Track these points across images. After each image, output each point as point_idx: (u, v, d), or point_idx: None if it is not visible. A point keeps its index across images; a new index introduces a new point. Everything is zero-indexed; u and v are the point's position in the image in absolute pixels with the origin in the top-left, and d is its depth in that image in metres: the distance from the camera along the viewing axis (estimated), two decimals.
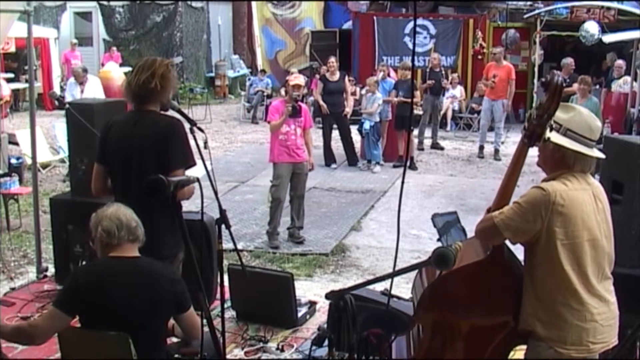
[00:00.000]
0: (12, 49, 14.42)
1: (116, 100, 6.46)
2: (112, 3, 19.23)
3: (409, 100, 9.96)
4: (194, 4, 19.63)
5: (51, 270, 5.83)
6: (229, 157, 11.62)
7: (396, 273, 2.87)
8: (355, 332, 2.80)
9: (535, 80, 14.41)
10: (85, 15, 19.75)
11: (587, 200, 2.74)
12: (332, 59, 11.06)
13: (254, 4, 20.40)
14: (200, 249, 4.08)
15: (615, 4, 13.95)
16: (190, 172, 3.37)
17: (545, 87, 2.75)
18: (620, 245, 3.77)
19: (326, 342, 2.88)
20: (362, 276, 6.15)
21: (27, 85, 11.31)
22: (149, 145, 3.53)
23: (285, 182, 6.88)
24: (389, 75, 11.63)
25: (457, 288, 2.93)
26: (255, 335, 4.72)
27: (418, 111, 11.30)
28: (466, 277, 2.85)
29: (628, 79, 11.53)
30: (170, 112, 3.68)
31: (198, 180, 2.84)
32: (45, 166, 10.05)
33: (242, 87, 18.87)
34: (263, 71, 17.27)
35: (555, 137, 2.73)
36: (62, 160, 10.19)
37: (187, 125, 3.53)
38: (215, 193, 3.19)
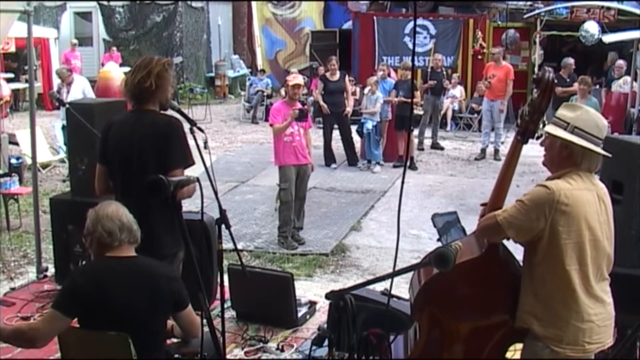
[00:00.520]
0: (12, 49, 14.43)
1: (116, 100, 6.45)
2: (112, 3, 19.23)
3: (409, 100, 9.97)
4: (194, 4, 19.63)
5: (51, 270, 5.83)
6: (229, 157, 11.62)
7: (396, 273, 2.87)
8: (355, 332, 2.79)
9: None
10: (85, 15, 19.75)
11: (591, 200, 2.74)
12: (334, 59, 11.06)
13: (254, 4, 20.40)
14: (200, 249, 4.08)
15: (615, 4, 13.95)
16: (190, 171, 3.38)
17: (537, 84, 2.79)
18: (620, 245, 3.77)
19: (326, 342, 2.88)
20: (362, 276, 6.15)
21: (27, 85, 11.32)
22: (148, 145, 3.53)
23: (293, 184, 6.86)
24: (389, 75, 11.63)
25: (451, 286, 2.92)
26: (255, 335, 4.72)
27: (418, 111, 11.30)
28: (460, 275, 2.84)
29: (628, 79, 11.53)
30: (170, 112, 3.68)
31: (198, 180, 2.84)
32: (45, 166, 10.05)
33: (242, 87, 18.87)
34: (262, 71, 17.27)
35: (563, 134, 2.74)
36: (62, 160, 10.20)
37: (187, 125, 3.53)
38: (215, 193, 3.19)
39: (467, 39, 15.06)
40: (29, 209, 7.46)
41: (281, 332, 4.80)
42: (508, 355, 3.07)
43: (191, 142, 3.48)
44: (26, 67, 12.73)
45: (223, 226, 3.03)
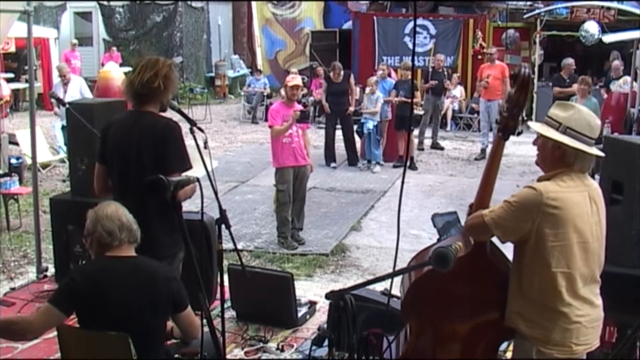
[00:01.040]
0: (12, 49, 14.43)
1: (116, 100, 6.45)
2: (112, 3, 19.23)
3: (409, 100, 9.97)
4: (194, 4, 19.63)
5: (51, 270, 5.83)
6: (229, 157, 11.62)
7: (396, 273, 2.86)
8: (355, 332, 2.79)
9: (536, 80, 14.41)
10: (85, 15, 19.76)
11: (580, 202, 2.71)
12: (337, 65, 11.04)
13: (254, 4, 20.39)
14: (200, 249, 4.07)
15: (615, 4, 13.95)
16: (191, 172, 3.38)
17: (514, 79, 2.78)
18: (620, 245, 3.78)
19: (326, 342, 2.87)
20: (362, 276, 6.15)
21: (27, 85, 11.29)
22: (147, 147, 3.53)
23: (290, 186, 6.84)
24: (389, 75, 11.63)
25: (439, 285, 2.90)
26: (255, 335, 4.72)
27: (418, 111, 11.30)
28: (448, 274, 2.73)
29: (628, 79, 11.51)
30: (170, 112, 3.68)
31: (198, 180, 2.83)
32: (45, 166, 10.05)
33: (242, 87, 18.87)
34: (259, 71, 17.26)
35: (555, 135, 2.71)
36: (62, 160, 10.20)
37: (186, 126, 3.53)
38: (215, 193, 3.19)
39: (467, 39, 15.07)
40: (29, 209, 7.46)
41: (281, 332, 4.79)
42: (508, 355, 3.07)
43: (191, 142, 3.48)
44: (26, 67, 12.72)
45: (223, 226, 3.03)
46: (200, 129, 3.51)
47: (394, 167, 10.74)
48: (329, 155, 10.90)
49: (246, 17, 20.94)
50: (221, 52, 20.51)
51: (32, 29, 5.86)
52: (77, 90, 9.86)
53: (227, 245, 3.21)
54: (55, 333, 3.07)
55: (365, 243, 7.20)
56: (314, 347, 3.07)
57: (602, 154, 2.87)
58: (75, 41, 17.66)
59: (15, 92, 14.86)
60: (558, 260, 2.67)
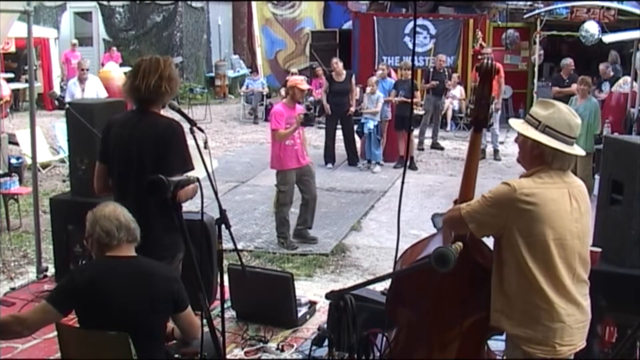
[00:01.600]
0: (12, 49, 14.41)
1: (116, 100, 6.45)
2: (112, 3, 19.22)
3: (410, 100, 9.97)
4: (194, 4, 19.63)
5: (51, 270, 5.83)
6: (229, 157, 11.62)
7: (396, 273, 2.87)
8: (355, 332, 2.79)
9: (536, 80, 14.40)
10: (85, 15, 19.75)
11: (557, 198, 2.68)
12: (335, 60, 11.05)
13: (254, 4, 20.38)
14: (200, 249, 4.07)
15: (615, 4, 13.93)
16: (192, 172, 3.38)
17: (478, 71, 2.83)
18: (620, 245, 3.79)
19: (326, 342, 2.87)
20: (362, 276, 6.15)
21: (27, 85, 11.29)
22: (148, 147, 3.52)
23: (293, 187, 6.82)
24: (389, 75, 11.63)
25: (418, 282, 2.89)
26: (255, 335, 4.72)
27: (418, 111, 11.29)
28: (426, 272, 2.72)
29: (628, 79, 11.51)
30: (170, 112, 3.67)
31: (198, 180, 2.84)
32: (45, 166, 10.05)
33: (242, 87, 18.89)
34: (256, 72, 17.26)
35: (533, 133, 2.71)
36: (62, 160, 10.20)
37: (187, 125, 3.53)
38: (215, 193, 3.19)
39: (467, 39, 15.05)
40: (29, 209, 7.46)
41: (281, 332, 4.79)
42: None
43: (191, 142, 3.48)
44: (26, 67, 12.72)
45: (223, 226, 3.03)
46: (200, 129, 3.50)
47: (395, 167, 10.74)
48: (329, 155, 10.90)
49: (246, 17, 20.94)
50: (221, 52, 20.50)
51: (32, 29, 5.85)
52: (94, 90, 9.87)
53: (227, 245, 3.21)
54: (55, 333, 3.06)
55: (365, 243, 7.20)
56: (314, 347, 3.08)
57: (582, 153, 2.84)
58: (75, 41, 17.66)
59: (15, 92, 14.85)
60: (534, 256, 2.64)
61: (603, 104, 10.88)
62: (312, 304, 5.13)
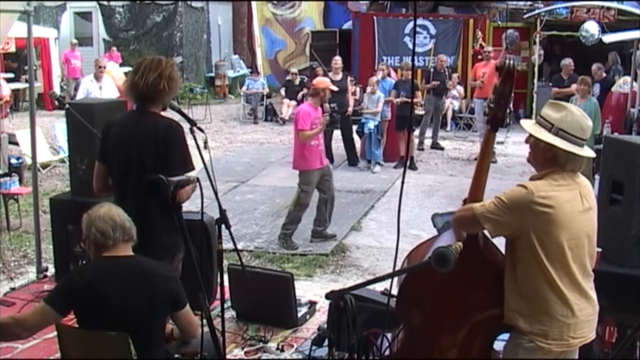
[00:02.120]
0: (12, 49, 14.42)
1: (116, 100, 6.46)
2: (112, 3, 19.22)
3: (410, 100, 9.97)
4: (194, 4, 19.62)
5: (51, 270, 5.83)
6: (229, 157, 11.61)
7: (396, 273, 2.87)
8: (355, 332, 2.79)
9: (535, 80, 14.40)
10: (85, 15, 19.75)
11: (571, 199, 2.74)
12: (337, 58, 11.04)
13: (254, 4, 20.38)
14: (200, 249, 4.07)
15: (615, 4, 13.94)
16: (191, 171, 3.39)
17: (499, 71, 2.83)
18: (620, 245, 3.79)
19: (326, 342, 2.87)
20: (362, 276, 6.15)
21: (27, 85, 11.31)
22: (148, 148, 3.52)
23: (314, 188, 6.86)
24: (389, 75, 11.62)
25: (431, 280, 2.89)
26: (255, 335, 4.72)
27: (419, 111, 11.29)
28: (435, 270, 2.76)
29: (628, 79, 11.50)
30: (170, 112, 3.68)
31: (198, 180, 2.84)
32: (45, 166, 10.05)
33: (242, 87, 18.90)
34: (257, 72, 17.26)
35: (547, 136, 2.74)
36: (62, 160, 10.20)
37: (187, 126, 3.53)
38: (215, 193, 3.19)
39: (467, 39, 15.06)
40: (29, 209, 7.46)
41: (281, 332, 4.79)
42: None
43: (191, 142, 3.48)
44: (26, 67, 12.73)
45: (223, 226, 3.03)
46: (200, 129, 3.51)
47: (395, 167, 10.74)
48: (327, 156, 10.87)
49: (246, 17, 20.94)
50: (221, 52, 20.50)
51: (32, 29, 5.85)
52: (112, 88, 9.85)
53: (227, 245, 3.21)
54: (55, 333, 3.06)
55: (365, 243, 7.20)
56: (314, 347, 3.07)
57: (593, 154, 2.91)
58: (75, 41, 17.65)
59: (15, 92, 14.86)
60: (550, 256, 2.70)
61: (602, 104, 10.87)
62: (312, 304, 5.13)
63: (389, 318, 2.99)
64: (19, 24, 6.59)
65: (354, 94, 12.33)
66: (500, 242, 3.00)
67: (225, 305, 4.60)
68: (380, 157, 10.75)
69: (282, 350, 4.55)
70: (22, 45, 13.46)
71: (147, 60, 3.64)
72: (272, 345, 4.61)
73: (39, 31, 13.56)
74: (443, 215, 4.49)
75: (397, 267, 2.97)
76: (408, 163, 9.88)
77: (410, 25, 14.42)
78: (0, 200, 7.12)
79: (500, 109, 2.82)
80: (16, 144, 10.09)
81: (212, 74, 19.83)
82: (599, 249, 3.72)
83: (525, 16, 15.27)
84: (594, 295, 2.85)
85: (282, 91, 15.98)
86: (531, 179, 2.83)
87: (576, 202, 2.75)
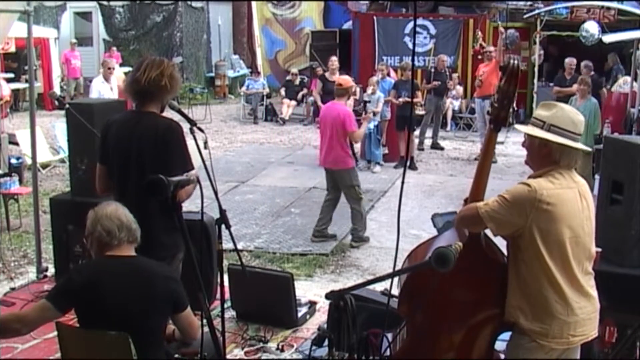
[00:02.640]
0: (12, 49, 14.42)
1: (116, 100, 6.46)
2: (112, 3, 19.22)
3: (410, 100, 9.97)
4: (194, 4, 19.62)
5: (51, 270, 5.83)
6: (229, 157, 11.61)
7: (396, 273, 2.87)
8: (355, 332, 2.79)
9: (536, 80, 14.40)
10: (85, 15, 19.74)
11: (572, 198, 2.78)
12: (334, 58, 11.05)
13: (254, 4, 20.39)
14: (200, 249, 4.07)
15: (615, 4, 13.94)
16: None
17: (503, 71, 2.86)
18: (620, 245, 3.78)
19: (326, 342, 2.87)
20: (362, 276, 6.15)
21: (27, 85, 11.30)
22: (148, 148, 3.53)
23: None
24: (388, 74, 11.62)
25: (434, 280, 2.88)
26: (255, 335, 4.72)
27: (419, 111, 11.29)
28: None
29: (628, 79, 11.51)
30: (170, 112, 3.68)
31: (198, 180, 2.84)
32: (45, 166, 10.05)
33: (242, 87, 18.90)
34: (258, 72, 17.26)
35: (539, 133, 2.79)
36: (62, 160, 10.19)
37: (187, 126, 3.53)
38: (215, 193, 3.19)
39: (467, 39, 15.05)
40: (29, 209, 7.46)
41: (281, 332, 4.79)
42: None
43: (191, 142, 3.48)
44: (26, 67, 12.72)
45: (223, 226, 3.03)
46: (200, 129, 3.51)
47: (395, 167, 10.74)
48: None
49: (246, 17, 20.94)
50: (221, 52, 20.50)
51: (32, 29, 5.86)
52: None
53: (227, 245, 3.21)
54: (55, 333, 3.06)
55: (366, 243, 7.20)
56: (314, 347, 3.07)
57: (587, 148, 2.96)
58: (74, 41, 17.65)
59: (15, 92, 14.87)
60: (552, 254, 2.74)
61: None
62: (312, 304, 5.13)
63: (389, 318, 2.99)
64: (19, 24, 6.59)
65: (353, 94, 12.32)
66: (499, 242, 3.02)
67: (225, 305, 4.59)
68: (380, 157, 10.75)
69: (282, 350, 4.55)
70: (22, 45, 13.46)
71: (148, 58, 3.67)
72: (272, 345, 4.61)
73: (39, 31, 13.57)
74: (443, 215, 4.49)
75: (397, 267, 2.97)
76: (408, 163, 9.88)
77: (410, 25, 14.41)
78: (0, 200, 7.12)
79: (503, 109, 2.84)
80: (16, 144, 10.09)
81: (212, 74, 19.83)
82: (599, 249, 3.73)
83: (525, 16, 15.27)
84: (594, 293, 2.87)
85: (282, 91, 15.98)
86: (530, 177, 2.86)
87: (576, 200, 2.79)
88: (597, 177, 6.22)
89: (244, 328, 4.83)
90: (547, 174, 2.79)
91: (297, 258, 6.61)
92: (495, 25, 15.50)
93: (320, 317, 5.01)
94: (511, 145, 12.22)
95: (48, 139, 10.99)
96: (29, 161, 8.07)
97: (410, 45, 14.34)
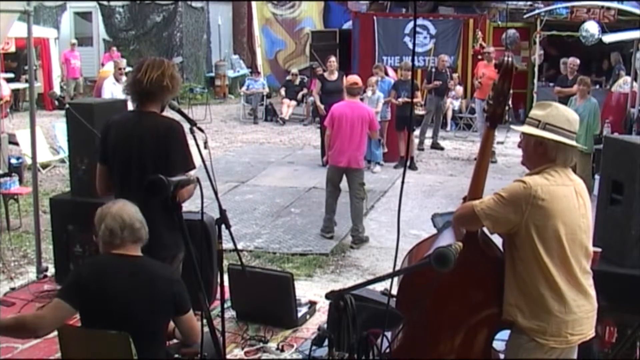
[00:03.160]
0: (12, 49, 14.42)
1: (116, 100, 6.46)
2: (112, 3, 19.21)
3: (410, 100, 9.97)
4: (194, 4, 19.62)
5: (51, 270, 5.83)
6: (229, 157, 11.61)
7: (396, 273, 2.87)
8: (355, 332, 2.79)
9: (536, 80, 14.39)
10: (85, 15, 19.74)
11: (568, 195, 2.80)
12: (332, 58, 11.04)
13: (254, 4, 20.38)
14: (200, 249, 4.07)
15: (615, 4, 13.93)
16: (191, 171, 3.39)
17: (498, 68, 2.90)
18: (620, 245, 3.79)
19: (326, 342, 2.87)
20: (362, 276, 6.15)
21: (27, 85, 11.30)
22: (149, 148, 3.53)
23: None
24: (387, 74, 11.60)
25: (432, 277, 2.88)
26: (255, 335, 4.72)
27: (419, 111, 11.28)
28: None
29: (628, 79, 11.50)
30: (170, 112, 3.68)
31: (198, 180, 2.84)
32: (45, 166, 10.05)
33: (242, 87, 18.89)
34: (258, 72, 17.26)
35: (535, 131, 2.81)
36: (62, 160, 10.19)
37: (187, 125, 3.53)
38: (215, 193, 3.19)
39: (467, 39, 15.05)
40: (29, 209, 7.46)
41: (281, 332, 4.80)
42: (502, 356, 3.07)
43: (191, 142, 3.48)
44: (26, 67, 12.71)
45: (223, 226, 3.03)
46: (200, 129, 3.51)
47: (395, 167, 10.73)
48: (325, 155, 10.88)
49: (246, 17, 20.93)
50: (221, 52, 20.50)
51: (32, 29, 5.86)
52: None
53: (227, 245, 3.21)
54: (55, 333, 3.06)
55: (365, 243, 7.20)
56: (314, 347, 3.07)
57: (583, 147, 2.97)
58: (74, 41, 17.64)
59: (15, 92, 14.86)
60: (549, 251, 2.75)
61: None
62: (312, 304, 5.13)
63: (389, 318, 2.99)
64: (19, 24, 6.60)
65: None
66: (498, 241, 3.02)
67: (225, 305, 4.60)
68: (380, 157, 10.74)
69: (282, 350, 4.55)
70: (22, 45, 13.46)
71: (149, 59, 3.68)
72: (272, 345, 4.61)
73: (39, 31, 13.56)
74: (443, 215, 4.48)
75: (398, 266, 2.97)
76: (408, 163, 9.88)
77: (410, 25, 14.41)
78: (0, 200, 7.12)
79: (499, 106, 2.88)
80: (16, 144, 10.09)
81: (212, 74, 19.82)
82: (599, 249, 3.73)
83: (525, 16, 15.27)
84: (592, 292, 2.88)
85: (282, 91, 15.98)
86: (526, 175, 2.88)
87: (571, 197, 2.81)
88: (597, 177, 6.22)
89: (244, 328, 4.83)
90: (543, 171, 2.81)
91: (297, 258, 6.62)
92: (495, 25, 15.52)
93: (320, 317, 5.01)
94: (511, 145, 12.21)
95: (48, 139, 11.00)
96: (29, 161, 8.07)
97: (410, 45, 14.34)
